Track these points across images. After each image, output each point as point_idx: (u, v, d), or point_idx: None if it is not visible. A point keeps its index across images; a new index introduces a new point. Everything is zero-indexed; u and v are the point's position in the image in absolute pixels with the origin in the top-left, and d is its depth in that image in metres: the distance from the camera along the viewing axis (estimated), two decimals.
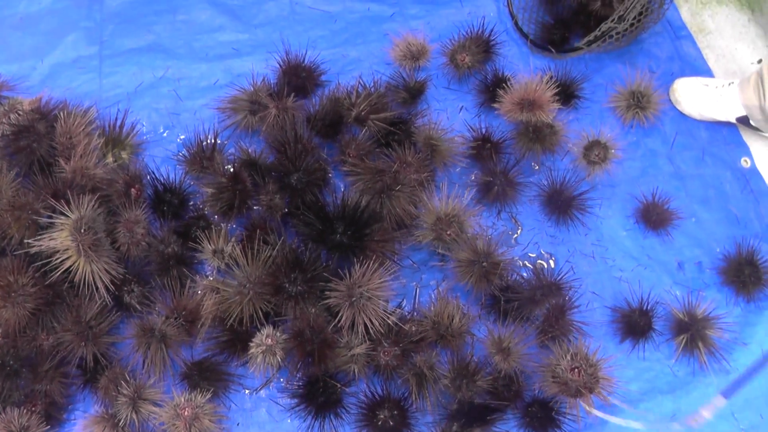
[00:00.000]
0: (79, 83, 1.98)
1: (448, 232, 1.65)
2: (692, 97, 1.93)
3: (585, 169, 1.83)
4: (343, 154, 1.77)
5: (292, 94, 1.83)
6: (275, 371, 1.68)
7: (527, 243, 1.82)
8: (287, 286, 1.59)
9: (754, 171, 1.92)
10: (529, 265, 1.79)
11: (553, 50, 1.99)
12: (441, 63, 1.98)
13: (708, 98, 1.91)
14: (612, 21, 1.84)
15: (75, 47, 2.03)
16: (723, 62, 2.06)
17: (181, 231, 1.72)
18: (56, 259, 1.52)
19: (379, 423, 1.58)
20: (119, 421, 1.57)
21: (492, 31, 1.99)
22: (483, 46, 1.96)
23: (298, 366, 1.61)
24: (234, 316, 1.58)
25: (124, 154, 1.84)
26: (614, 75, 2.00)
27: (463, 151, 1.84)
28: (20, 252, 1.59)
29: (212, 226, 1.72)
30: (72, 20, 2.06)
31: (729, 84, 1.89)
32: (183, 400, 1.54)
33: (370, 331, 1.56)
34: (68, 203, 1.53)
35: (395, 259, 1.70)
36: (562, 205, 1.81)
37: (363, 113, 1.76)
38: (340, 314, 1.55)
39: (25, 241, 1.57)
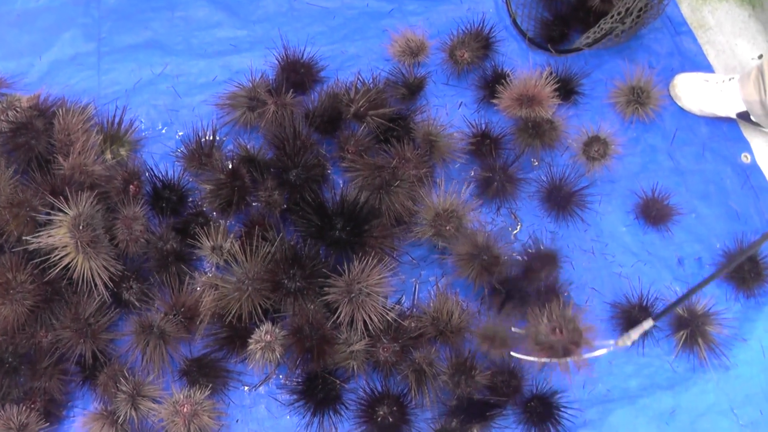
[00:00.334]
0: (77, 80, 1.97)
1: (447, 228, 1.65)
2: (692, 92, 1.92)
3: (585, 164, 1.83)
4: (341, 150, 1.77)
5: (291, 91, 1.82)
6: (274, 368, 1.68)
7: (527, 239, 1.81)
8: (286, 282, 1.59)
9: (754, 166, 1.91)
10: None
11: (551, 50, 1.99)
12: (440, 59, 1.97)
13: (708, 94, 1.90)
14: (612, 19, 1.83)
15: (73, 44, 2.02)
16: (723, 58, 2.05)
17: (180, 227, 1.72)
18: (55, 256, 1.52)
19: (379, 419, 1.58)
20: (118, 417, 1.57)
21: (491, 27, 1.98)
22: (482, 42, 1.95)
23: (297, 362, 1.61)
24: (233, 312, 1.57)
25: (122, 151, 1.84)
26: (614, 71, 1.99)
27: (462, 147, 1.83)
28: (19, 249, 1.59)
29: (211, 223, 1.71)
30: (70, 17, 2.05)
31: (729, 79, 1.88)
32: (182, 396, 1.55)
33: (369, 327, 1.56)
34: (66, 200, 1.54)
35: (394, 255, 1.69)
36: (561, 201, 1.81)
37: (362, 109, 1.76)
38: (339, 310, 1.55)
39: (24, 238, 1.57)
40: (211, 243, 1.65)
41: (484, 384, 1.59)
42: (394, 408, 1.59)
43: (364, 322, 1.55)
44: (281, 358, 1.59)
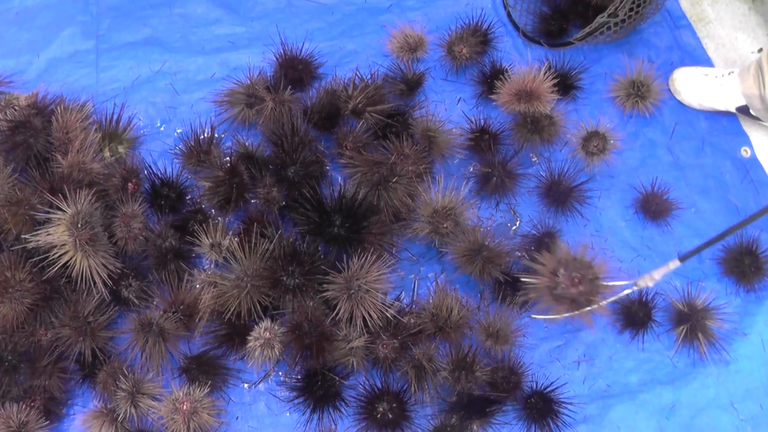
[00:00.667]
0: (76, 78, 1.97)
1: (445, 225, 1.64)
2: (692, 86, 1.92)
3: (584, 159, 1.82)
4: (340, 147, 1.77)
5: (289, 87, 1.82)
6: (273, 365, 1.68)
7: (526, 234, 1.81)
8: (285, 279, 1.58)
9: (754, 161, 1.91)
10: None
11: (543, 43, 1.98)
12: (439, 55, 1.97)
13: (708, 88, 1.90)
14: (609, 14, 1.83)
15: (71, 42, 2.02)
16: (723, 51, 2.05)
17: (179, 225, 1.72)
18: (53, 254, 1.52)
19: (378, 416, 1.58)
20: (118, 415, 1.57)
21: (490, 22, 1.97)
22: (481, 38, 1.94)
23: (297, 359, 1.61)
24: (232, 309, 1.57)
25: (121, 149, 1.84)
26: (613, 65, 1.99)
27: (461, 143, 1.83)
28: (17, 247, 1.59)
29: (210, 220, 1.71)
30: (68, 14, 2.05)
31: (729, 73, 1.87)
32: (182, 394, 1.55)
33: (369, 323, 1.56)
34: (65, 198, 1.53)
35: (393, 252, 1.69)
36: (560, 196, 1.81)
37: (360, 105, 1.76)
38: (338, 307, 1.55)
39: (22, 236, 1.57)
40: (210, 240, 1.65)
41: (484, 380, 1.59)
42: (394, 404, 1.58)
43: (364, 318, 1.55)
44: (280, 355, 1.59)
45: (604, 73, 1.98)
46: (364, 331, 1.57)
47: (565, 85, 1.92)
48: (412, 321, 1.62)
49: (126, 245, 1.64)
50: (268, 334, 1.55)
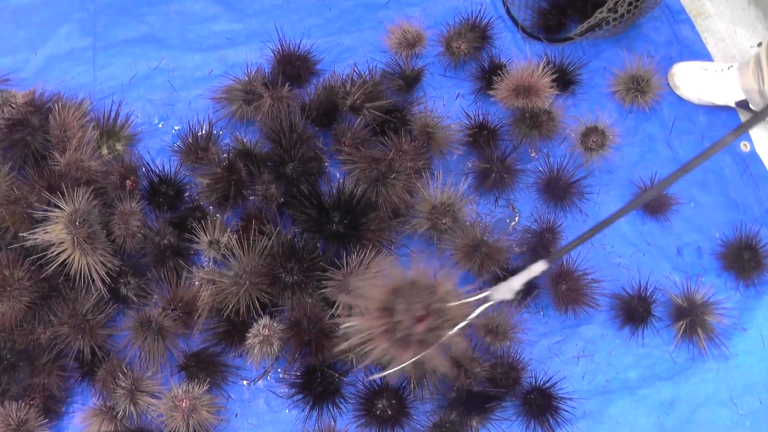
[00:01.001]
0: (73, 75, 1.97)
1: (444, 221, 1.64)
2: (691, 81, 1.91)
3: (583, 155, 1.82)
4: (338, 143, 1.77)
5: (287, 84, 1.81)
6: (273, 362, 1.68)
7: (526, 229, 1.80)
8: (284, 276, 1.58)
9: (753, 155, 1.90)
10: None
11: (542, 38, 1.98)
12: (437, 50, 1.96)
13: (707, 82, 1.89)
14: (609, 9, 1.82)
15: (68, 39, 2.02)
16: (722, 46, 2.04)
17: (177, 222, 1.71)
18: (52, 253, 1.52)
19: (378, 412, 1.58)
20: (117, 413, 1.57)
21: (489, 18, 1.97)
22: (479, 33, 1.94)
23: (296, 356, 1.61)
24: (231, 306, 1.57)
25: (118, 146, 1.84)
26: (612, 60, 1.98)
27: (459, 139, 1.82)
28: (15, 246, 1.59)
29: (208, 217, 1.71)
30: (65, 12, 2.05)
31: (728, 68, 1.87)
32: (181, 391, 1.55)
33: None
34: (63, 196, 1.53)
35: (392, 248, 1.69)
36: (560, 191, 1.80)
37: (358, 102, 1.75)
38: (337, 303, 1.55)
39: (20, 234, 1.57)
40: (209, 237, 1.65)
41: (483, 376, 1.59)
42: (393, 401, 1.58)
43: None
44: (279, 352, 1.59)
45: (603, 68, 1.97)
46: None
47: (564, 80, 1.91)
48: None
49: (124, 243, 1.64)
50: (267, 331, 1.55)
